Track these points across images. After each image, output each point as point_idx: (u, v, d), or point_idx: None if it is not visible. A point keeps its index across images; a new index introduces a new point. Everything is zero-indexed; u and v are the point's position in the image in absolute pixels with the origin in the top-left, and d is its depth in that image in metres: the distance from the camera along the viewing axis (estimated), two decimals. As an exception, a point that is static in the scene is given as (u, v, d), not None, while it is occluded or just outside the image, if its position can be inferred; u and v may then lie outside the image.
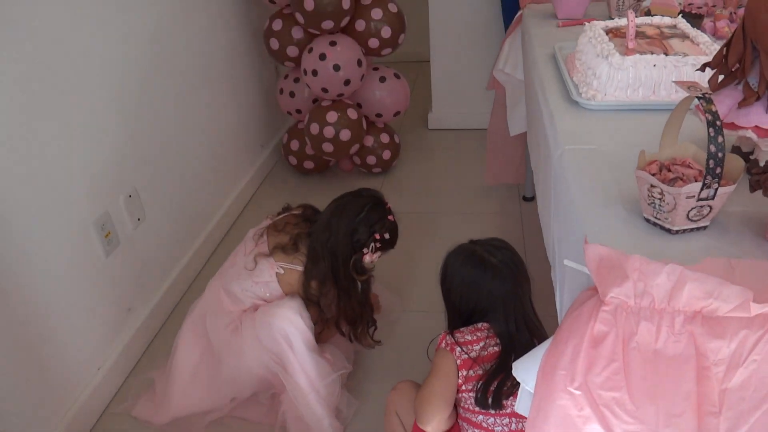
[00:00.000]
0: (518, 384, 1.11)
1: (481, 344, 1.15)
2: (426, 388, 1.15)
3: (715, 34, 1.57)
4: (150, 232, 1.87)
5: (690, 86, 0.74)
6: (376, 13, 2.31)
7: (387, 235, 1.47)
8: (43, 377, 1.45)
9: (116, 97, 1.71)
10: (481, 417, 1.15)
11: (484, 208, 2.42)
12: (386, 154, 2.58)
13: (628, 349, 0.71)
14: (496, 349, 1.15)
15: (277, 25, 2.38)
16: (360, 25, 2.32)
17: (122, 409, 1.62)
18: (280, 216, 1.57)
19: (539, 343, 1.16)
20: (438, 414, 1.12)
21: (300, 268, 1.45)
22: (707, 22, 1.60)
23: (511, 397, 1.11)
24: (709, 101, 0.72)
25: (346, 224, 1.43)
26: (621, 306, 0.69)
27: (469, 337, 1.16)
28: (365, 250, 1.46)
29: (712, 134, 0.71)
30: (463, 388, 1.15)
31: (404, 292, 1.95)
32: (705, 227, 0.79)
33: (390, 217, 1.48)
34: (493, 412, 1.13)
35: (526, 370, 0.88)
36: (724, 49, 0.90)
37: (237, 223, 2.46)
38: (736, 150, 0.95)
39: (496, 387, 1.12)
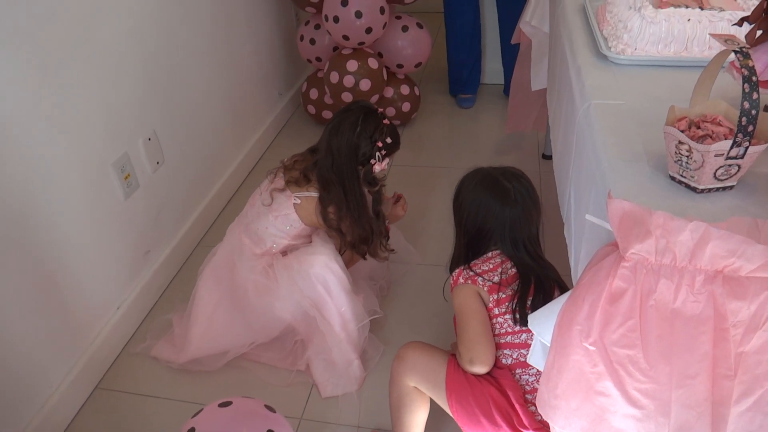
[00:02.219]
0: (549, 298, 1.14)
1: (499, 270, 1.18)
2: (466, 333, 1.14)
3: (754, -11, 1.51)
4: (169, 176, 1.88)
5: (727, 39, 0.71)
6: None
7: (389, 139, 1.47)
8: (63, 315, 1.49)
9: (137, 41, 1.69)
10: (524, 335, 1.14)
11: (503, 164, 2.39)
12: (406, 106, 2.54)
13: (645, 307, 0.70)
14: (514, 270, 1.18)
15: (299, -31, 2.32)
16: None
17: (141, 350, 1.66)
18: (288, 159, 1.58)
19: (543, 270, 1.18)
20: (491, 350, 1.12)
21: (315, 194, 1.46)
22: (747, -23, 1.53)
23: None
24: (747, 56, 0.69)
25: (346, 143, 1.43)
26: (641, 262, 0.68)
27: (486, 266, 1.19)
28: (372, 161, 1.47)
29: (747, 90, 0.68)
30: (496, 312, 1.15)
31: (420, 244, 1.96)
32: (731, 187, 0.77)
33: (386, 121, 1.48)
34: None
35: (542, 323, 0.88)
36: (765, 2, 0.86)
37: (254, 170, 2.46)
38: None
39: (532, 302, 1.14)
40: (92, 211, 1.57)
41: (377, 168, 1.46)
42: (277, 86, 2.71)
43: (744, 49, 0.70)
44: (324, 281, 1.43)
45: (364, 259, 1.56)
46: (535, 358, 0.94)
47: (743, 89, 0.69)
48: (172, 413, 1.51)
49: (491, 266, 1.18)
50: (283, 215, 1.47)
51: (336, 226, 1.45)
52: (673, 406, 0.72)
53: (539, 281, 1.16)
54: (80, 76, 1.48)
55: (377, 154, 1.44)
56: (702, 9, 1.14)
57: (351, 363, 1.48)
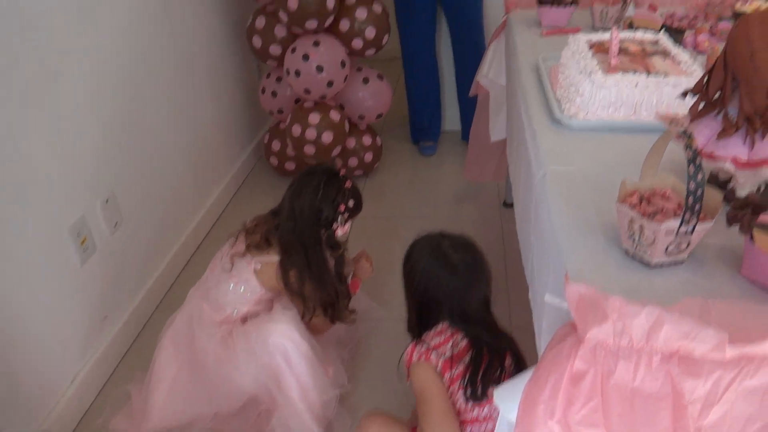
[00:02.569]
0: (502, 367, 1.14)
1: (450, 342, 1.18)
2: (430, 415, 1.14)
3: (696, 48, 1.58)
4: (127, 237, 1.84)
5: (671, 121, 0.74)
6: (361, 13, 2.29)
7: (351, 203, 1.48)
8: (15, 387, 1.42)
9: (94, 98, 1.67)
10: (476, 410, 1.15)
11: (464, 213, 2.42)
12: (368, 157, 2.56)
13: (606, 387, 0.71)
14: (465, 341, 1.17)
15: (260, 22, 2.34)
16: (344, 24, 2.30)
17: (99, 423, 1.59)
18: (250, 221, 1.56)
19: (495, 339, 1.17)
20: (457, 430, 1.13)
21: (276, 258, 1.44)
22: (688, 36, 1.60)
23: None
24: (690, 137, 0.72)
25: (308, 207, 1.43)
26: (600, 344, 0.69)
27: (437, 339, 1.18)
28: (335, 225, 1.46)
29: (691, 172, 0.70)
30: (451, 390, 1.15)
31: (384, 298, 1.95)
32: (683, 261, 0.79)
33: (347, 184, 1.48)
34: (485, 401, 1.14)
35: (507, 399, 0.88)
36: (705, 76, 0.90)
37: (216, 225, 2.43)
38: (713, 178, 0.95)
39: (482, 376, 1.14)
40: (46, 278, 1.51)
41: (340, 232, 1.46)
42: (239, 138, 2.70)
43: (687, 132, 0.72)
44: (283, 350, 1.40)
45: (333, 323, 1.54)
46: (501, 432, 0.94)
47: (688, 171, 0.71)
48: (130, 491, 1.44)
49: (443, 339, 1.18)
50: (243, 281, 1.44)
51: (298, 290, 1.43)
52: (638, 478, 0.72)
53: (492, 351, 1.16)
54: (35, 138, 1.45)
55: (339, 218, 1.44)
56: (648, 74, 1.19)
57: None
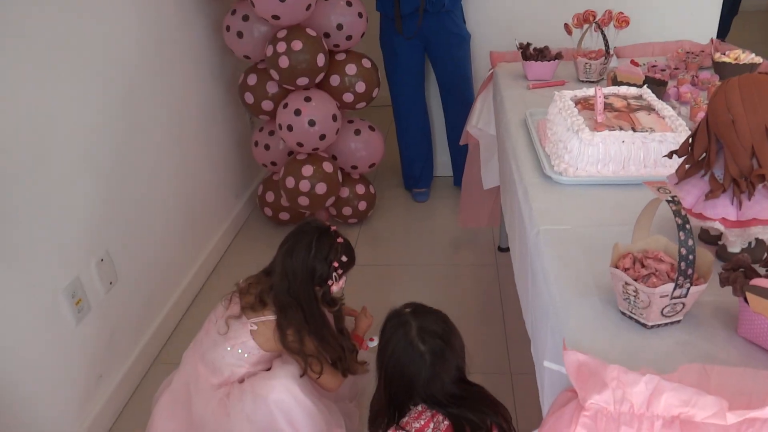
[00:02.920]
0: None
1: (432, 424, 1.13)
2: None
3: (679, 99, 1.63)
4: (122, 295, 1.83)
5: (659, 188, 0.76)
6: (351, 69, 2.35)
7: (344, 258, 1.47)
8: (9, 455, 1.39)
9: (86, 156, 1.68)
10: None
11: (459, 259, 2.44)
12: (362, 205, 2.58)
13: (609, 452, 0.71)
14: (447, 422, 1.13)
15: (252, 79, 2.39)
16: (335, 80, 2.35)
17: (95, 486, 1.56)
18: (243, 282, 1.56)
19: (477, 413, 1.13)
20: None
21: (272, 317, 1.43)
22: (671, 88, 1.66)
23: None
24: (678, 205, 0.74)
25: (301, 266, 1.42)
26: (601, 411, 0.70)
27: (417, 424, 1.13)
28: (330, 282, 1.46)
29: (682, 238, 0.73)
30: None
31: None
32: (679, 321, 0.80)
33: (339, 240, 1.48)
34: None
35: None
36: (690, 139, 0.93)
37: (212, 277, 2.42)
38: (704, 233, 0.98)
39: None
40: (42, 339, 1.50)
41: (335, 288, 1.46)
42: (233, 189, 2.72)
43: (675, 198, 0.75)
44: (284, 408, 1.38)
45: (345, 377, 1.53)
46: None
47: (679, 237, 0.73)
48: None
49: (423, 422, 1.13)
50: (240, 343, 1.43)
51: (297, 349, 1.42)
52: None
53: (475, 428, 1.13)
54: (25, 198, 1.45)
55: (334, 274, 1.44)
56: (635, 130, 1.22)
57: None
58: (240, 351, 1.43)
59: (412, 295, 2.16)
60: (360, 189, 2.57)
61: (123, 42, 1.86)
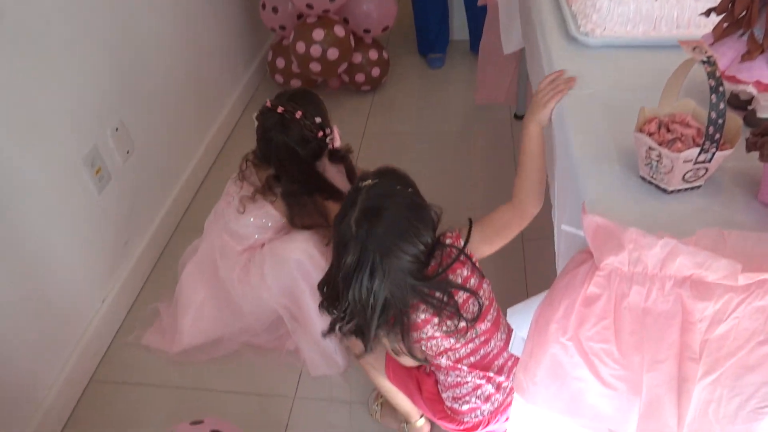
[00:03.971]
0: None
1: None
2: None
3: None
4: (140, 164, 1.85)
5: (695, 47, 0.73)
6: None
7: (318, 119, 1.44)
8: (49, 314, 1.49)
9: (95, 29, 1.62)
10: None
11: (474, 126, 2.41)
12: (375, 71, 2.51)
13: (619, 309, 0.75)
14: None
15: (257, -67, 2.22)
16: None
17: (131, 339, 1.68)
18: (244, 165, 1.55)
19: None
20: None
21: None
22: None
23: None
24: (713, 65, 0.71)
25: (288, 158, 1.42)
26: (615, 271, 0.72)
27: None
28: (324, 149, 1.47)
29: (714, 101, 0.70)
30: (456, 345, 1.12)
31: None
32: (699, 186, 0.80)
33: (297, 115, 1.41)
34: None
35: (519, 318, 0.93)
36: (731, -6, 0.87)
37: (227, 145, 2.43)
38: (733, 98, 0.95)
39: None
40: (68, 210, 1.55)
41: (333, 145, 1.46)
42: (242, 57, 2.64)
43: (711, 59, 0.71)
44: (305, 269, 1.45)
45: None
46: (516, 348, 0.99)
47: (710, 99, 0.71)
48: (167, 400, 1.55)
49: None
50: (263, 213, 1.47)
51: (310, 225, 1.46)
52: (644, 386, 0.78)
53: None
54: (41, 73, 1.43)
55: (320, 145, 1.44)
56: (669, -14, 1.14)
57: (335, 349, 1.52)
58: (264, 220, 1.47)
59: (425, 163, 2.17)
60: (373, 54, 2.48)
61: None
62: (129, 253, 1.81)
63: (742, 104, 0.94)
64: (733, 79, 0.85)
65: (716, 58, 0.84)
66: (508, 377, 1.18)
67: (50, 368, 1.49)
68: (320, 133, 1.44)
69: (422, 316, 1.07)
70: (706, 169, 0.77)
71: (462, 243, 1.08)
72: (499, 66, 2.19)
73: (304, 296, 1.49)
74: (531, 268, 1.77)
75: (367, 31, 2.43)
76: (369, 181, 1.05)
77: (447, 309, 1.04)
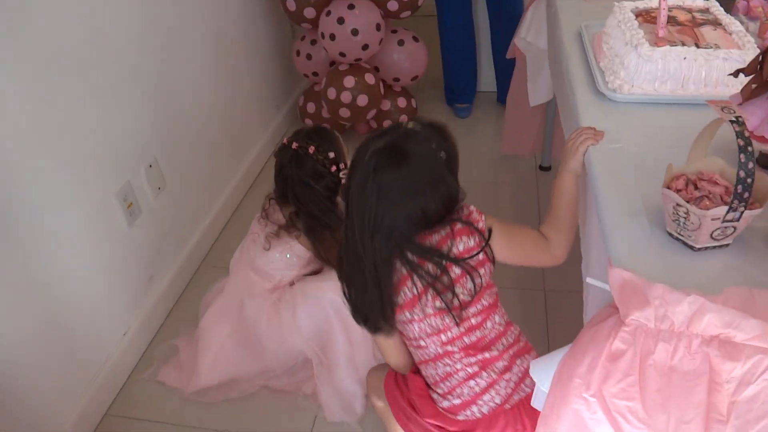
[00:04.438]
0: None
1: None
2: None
3: (748, 14, 1.52)
4: (170, 200, 1.90)
5: (723, 107, 0.73)
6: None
7: (332, 155, 1.46)
8: (71, 344, 1.51)
9: (135, 69, 1.70)
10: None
11: (499, 176, 2.42)
12: (403, 119, 2.56)
13: (644, 366, 0.73)
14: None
15: (294, -15, 2.32)
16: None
17: (149, 375, 1.69)
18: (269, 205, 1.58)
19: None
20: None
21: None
22: (740, 1, 1.54)
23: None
24: (742, 125, 0.72)
25: (305, 194, 1.44)
26: (641, 327, 0.71)
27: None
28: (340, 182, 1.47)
29: (742, 160, 0.71)
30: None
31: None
32: (728, 245, 0.80)
33: (311, 150, 1.45)
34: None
35: (541, 371, 0.91)
36: (760, 57, 0.88)
37: (254, 185, 2.48)
38: (762, 158, 0.95)
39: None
40: (97, 242, 1.58)
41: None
42: (274, 100, 2.71)
43: (739, 119, 0.72)
44: (339, 307, 1.44)
45: None
46: (538, 402, 0.97)
47: (739, 159, 0.71)
48: (181, 440, 1.54)
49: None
50: (288, 248, 1.48)
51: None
52: (670, 447, 0.75)
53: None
54: (80, 109, 1.49)
55: (341, 175, 1.45)
56: (698, 46, 1.16)
57: (355, 396, 1.50)
58: (288, 256, 1.49)
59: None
60: (401, 102, 2.54)
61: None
62: (153, 288, 1.83)
63: (771, 164, 0.94)
64: (763, 139, 0.85)
65: (745, 117, 0.85)
66: (510, 365, 1.07)
67: (67, 399, 1.50)
68: (333, 168, 1.46)
69: (410, 294, 1.01)
70: (735, 228, 0.77)
71: (476, 220, 1.02)
72: (525, 117, 2.22)
73: (335, 337, 1.48)
74: (553, 320, 1.75)
75: (396, 79, 2.49)
76: (412, 125, 1.02)
77: (439, 283, 0.98)
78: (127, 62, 1.67)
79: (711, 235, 0.77)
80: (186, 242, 2.01)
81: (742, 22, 1.47)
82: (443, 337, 1.05)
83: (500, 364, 1.06)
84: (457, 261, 0.98)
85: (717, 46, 1.16)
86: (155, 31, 1.79)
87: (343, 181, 1.44)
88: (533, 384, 0.92)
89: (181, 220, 1.98)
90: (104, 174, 1.59)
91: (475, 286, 1.00)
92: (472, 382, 1.06)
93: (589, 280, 0.80)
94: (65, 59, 1.43)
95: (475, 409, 1.07)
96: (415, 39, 2.47)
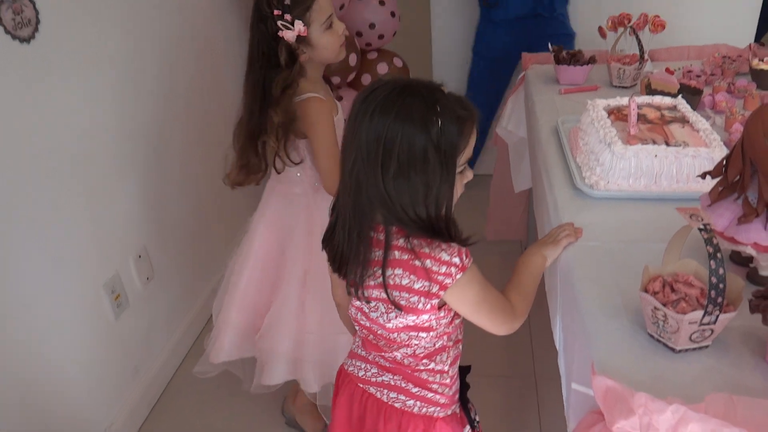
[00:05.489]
0: None
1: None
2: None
3: (714, 108, 1.61)
4: (159, 290, 1.89)
5: (692, 215, 0.77)
6: (382, 68, 2.37)
7: (287, 1, 1.30)
8: (52, 440, 1.47)
9: (126, 161, 1.74)
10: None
11: (484, 260, 2.42)
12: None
13: (633, 473, 0.73)
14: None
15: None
16: (366, 79, 2.37)
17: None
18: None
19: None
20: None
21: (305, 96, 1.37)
22: (706, 96, 1.64)
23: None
24: (710, 232, 0.75)
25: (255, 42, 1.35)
26: (627, 435, 0.71)
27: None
28: (280, 33, 1.31)
29: (713, 267, 0.74)
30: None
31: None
32: (707, 346, 0.81)
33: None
34: None
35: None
36: (724, 161, 0.93)
37: (242, 271, 2.47)
38: (735, 255, 0.98)
39: None
40: (83, 335, 1.57)
41: (290, 35, 1.31)
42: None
43: (708, 226, 0.75)
44: None
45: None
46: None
47: (710, 266, 0.74)
48: None
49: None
50: (299, 167, 1.48)
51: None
52: None
53: None
54: (71, 200, 1.51)
55: (280, 24, 1.30)
56: (668, 144, 1.22)
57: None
58: (299, 175, 1.50)
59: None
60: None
61: (162, 52, 1.91)
62: (138, 380, 1.80)
63: (744, 261, 0.97)
64: (733, 240, 0.89)
65: (714, 219, 0.89)
66: (388, 369, 1.02)
67: (44, 504, 1.44)
68: (276, 12, 1.30)
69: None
70: (712, 330, 0.79)
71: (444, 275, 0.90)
72: (509, 203, 2.28)
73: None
74: (545, 409, 1.73)
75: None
76: (443, 86, 0.89)
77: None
78: (117, 151, 1.71)
79: (690, 338, 0.79)
80: (172, 333, 1.99)
81: (708, 117, 1.56)
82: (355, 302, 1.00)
83: (381, 359, 1.02)
84: (386, 289, 0.90)
85: (686, 144, 1.22)
86: (144, 123, 1.84)
87: (281, 30, 1.30)
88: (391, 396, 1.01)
89: (169, 310, 1.97)
90: (93, 265, 1.60)
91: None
92: (355, 340, 1.09)
93: (574, 386, 0.81)
94: (53, 147, 1.45)
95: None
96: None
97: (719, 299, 0.74)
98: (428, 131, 0.83)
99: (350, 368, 1.08)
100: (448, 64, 2.86)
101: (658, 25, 1.83)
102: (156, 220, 1.89)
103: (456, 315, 0.98)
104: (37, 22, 1.36)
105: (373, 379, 1.04)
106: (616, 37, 1.88)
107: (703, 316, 0.76)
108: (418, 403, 1.01)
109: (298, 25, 1.31)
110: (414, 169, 0.84)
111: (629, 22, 1.83)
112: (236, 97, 2.41)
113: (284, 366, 1.54)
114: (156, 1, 1.87)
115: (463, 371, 1.08)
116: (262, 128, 1.41)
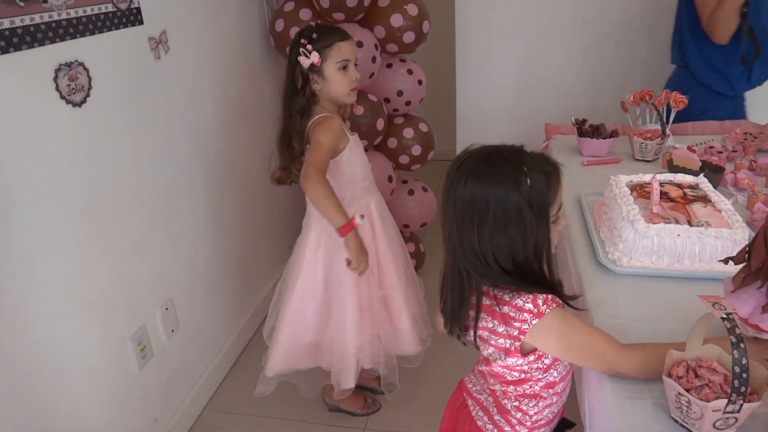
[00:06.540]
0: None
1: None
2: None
3: (736, 185, 1.64)
4: (182, 342, 1.92)
5: (714, 303, 0.79)
6: (408, 133, 2.44)
7: (315, 35, 1.57)
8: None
9: (158, 217, 1.80)
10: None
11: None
12: (413, 263, 2.63)
13: None
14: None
15: (313, 137, 2.51)
16: (392, 142, 2.45)
17: None
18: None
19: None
20: None
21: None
22: (728, 173, 1.67)
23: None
24: (733, 321, 0.77)
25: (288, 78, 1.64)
26: None
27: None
28: (300, 58, 1.57)
29: (736, 356, 0.75)
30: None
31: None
32: (731, 434, 0.82)
33: (312, 23, 1.62)
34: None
35: None
36: (747, 246, 0.95)
37: (263, 324, 2.50)
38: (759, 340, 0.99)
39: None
40: (106, 384, 1.60)
41: (305, 62, 1.56)
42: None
43: (730, 315, 0.77)
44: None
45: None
46: None
47: (732, 354, 0.75)
48: None
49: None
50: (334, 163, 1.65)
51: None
52: None
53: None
54: (105, 256, 1.57)
55: (302, 50, 1.56)
56: (690, 224, 1.25)
57: None
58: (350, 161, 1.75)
59: (449, 361, 2.18)
60: (410, 247, 2.63)
61: (197, 107, 2.00)
62: (156, 431, 1.81)
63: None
64: (757, 328, 0.90)
65: (738, 306, 0.91)
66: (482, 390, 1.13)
67: None
68: (303, 41, 1.57)
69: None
70: (736, 419, 0.79)
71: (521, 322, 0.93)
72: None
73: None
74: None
75: (406, 226, 2.61)
76: (524, 147, 0.96)
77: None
78: (154, 209, 1.78)
79: (714, 425, 0.79)
80: (193, 384, 2.01)
81: (731, 194, 1.58)
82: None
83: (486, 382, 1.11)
84: (474, 333, 1.01)
85: (708, 224, 1.24)
86: (177, 182, 1.92)
87: (300, 56, 1.58)
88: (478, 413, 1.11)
89: (190, 362, 1.99)
90: (122, 317, 1.64)
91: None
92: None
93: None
94: (97, 207, 1.53)
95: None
96: (425, 189, 2.61)
97: (743, 389, 0.75)
98: (519, 189, 0.91)
99: (467, 378, 1.19)
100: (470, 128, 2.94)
101: (680, 102, 1.88)
102: (182, 272, 1.94)
103: (552, 365, 1.01)
104: (89, 88, 1.45)
105: (475, 394, 1.14)
106: (639, 112, 1.93)
107: (727, 404, 0.76)
108: (495, 430, 1.08)
109: (314, 56, 1.56)
110: (510, 225, 0.92)
111: (651, 98, 1.89)
112: (266, 163, 2.50)
113: (353, 368, 1.77)
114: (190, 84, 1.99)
115: (565, 424, 1.13)
116: (290, 139, 1.65)
